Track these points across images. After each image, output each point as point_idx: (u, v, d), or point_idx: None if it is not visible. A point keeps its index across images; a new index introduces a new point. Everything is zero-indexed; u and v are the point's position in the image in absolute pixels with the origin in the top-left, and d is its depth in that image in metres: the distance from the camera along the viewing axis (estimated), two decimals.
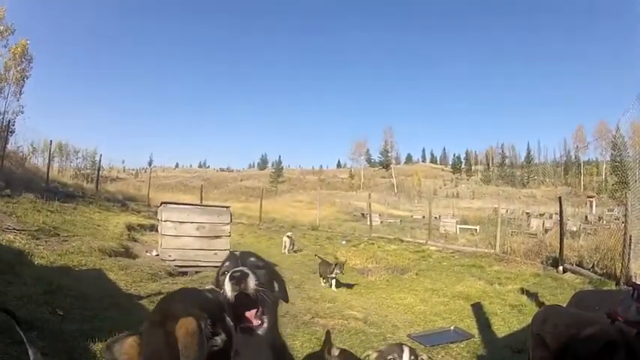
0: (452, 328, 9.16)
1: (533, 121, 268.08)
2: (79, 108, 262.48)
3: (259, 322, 2.46)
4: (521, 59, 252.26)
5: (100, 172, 43.21)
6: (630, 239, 12.09)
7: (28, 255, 10.35)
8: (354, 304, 10.89)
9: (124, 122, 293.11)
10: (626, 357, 3.62)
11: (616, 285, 11.76)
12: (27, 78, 40.49)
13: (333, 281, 12.66)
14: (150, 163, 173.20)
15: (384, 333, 8.53)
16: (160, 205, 14.15)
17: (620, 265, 12.38)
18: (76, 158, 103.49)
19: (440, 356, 7.48)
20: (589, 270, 14.07)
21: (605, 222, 34.71)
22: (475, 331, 8.99)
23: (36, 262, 10.06)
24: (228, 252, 10.90)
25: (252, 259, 2.70)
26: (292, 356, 2.93)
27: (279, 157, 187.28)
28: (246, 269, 2.49)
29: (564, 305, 5.84)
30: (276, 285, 2.75)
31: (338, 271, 12.62)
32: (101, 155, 50.14)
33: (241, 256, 2.70)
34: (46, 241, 12.40)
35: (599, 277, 12.98)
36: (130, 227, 19.26)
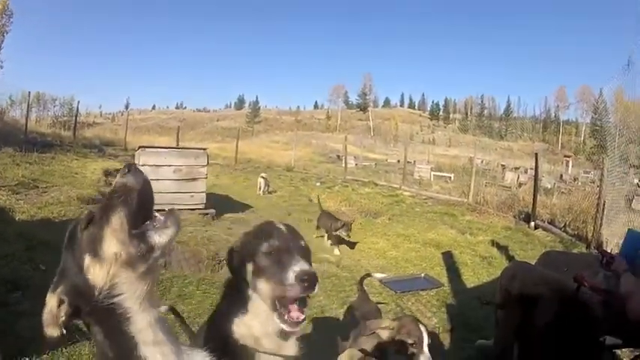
0: (422, 275, 9.32)
1: (515, 75, 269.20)
2: (55, 55, 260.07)
3: (302, 316, 2.29)
4: (507, 13, 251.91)
5: (78, 119, 42.77)
6: (604, 205, 12.21)
7: (9, 211, 10.40)
8: (326, 247, 11.17)
9: (100, 66, 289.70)
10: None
11: (586, 248, 11.87)
12: (6, 33, 39.81)
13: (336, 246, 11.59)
14: (127, 106, 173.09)
15: (356, 277, 8.20)
16: (138, 149, 14.14)
17: (592, 228, 12.51)
18: (54, 107, 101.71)
19: (410, 303, 7.60)
20: (560, 229, 14.19)
21: (580, 183, 34.90)
22: (445, 280, 9.15)
23: (17, 218, 10.11)
24: (204, 194, 10.93)
25: (302, 242, 2.46)
26: None
27: (257, 97, 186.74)
28: (315, 271, 2.22)
29: (533, 263, 5.97)
30: None
31: (344, 233, 11.61)
32: (79, 102, 49.99)
33: (292, 239, 2.42)
34: (25, 195, 12.49)
35: (570, 238, 13.10)
36: (107, 173, 19.16)
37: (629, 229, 5.77)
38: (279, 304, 2.26)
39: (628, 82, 12.42)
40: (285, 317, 2.25)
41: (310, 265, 2.27)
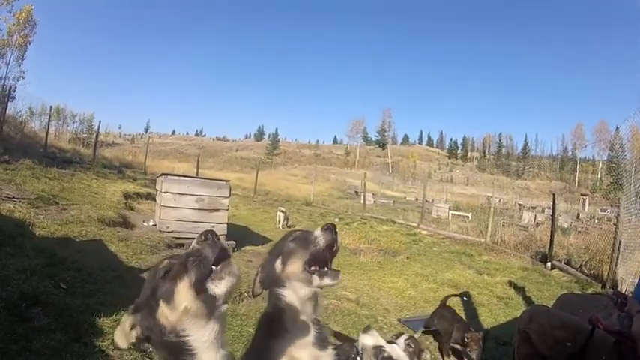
0: None
1: (532, 114, 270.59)
2: (78, 72, 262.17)
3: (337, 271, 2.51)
4: (526, 53, 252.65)
5: (98, 138, 43.11)
6: (620, 243, 12.22)
7: (28, 225, 10.36)
8: (347, 284, 10.99)
9: (123, 87, 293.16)
10: None
11: (602, 287, 11.94)
12: (30, 43, 40.29)
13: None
14: (146, 130, 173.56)
15: (376, 315, 8.75)
16: (160, 176, 14.23)
17: (608, 268, 12.51)
18: (73, 122, 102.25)
19: (428, 342, 7.58)
20: (577, 269, 14.17)
21: (596, 221, 34.75)
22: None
23: (37, 233, 10.07)
24: (225, 225, 11.42)
25: None
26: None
27: (276, 129, 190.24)
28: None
29: (550, 304, 6.04)
30: None
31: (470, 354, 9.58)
32: (100, 122, 49.93)
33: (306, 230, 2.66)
34: (45, 210, 12.48)
35: (586, 278, 13.12)
36: (126, 196, 19.31)
37: None
38: (314, 264, 2.45)
39: None
40: (323, 271, 2.45)
41: None
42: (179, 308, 1.97)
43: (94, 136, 40.92)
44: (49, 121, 34.57)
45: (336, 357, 4.22)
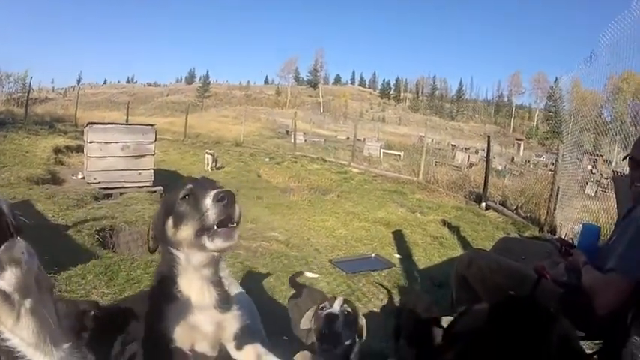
0: (373, 255, 9.10)
1: (468, 59, 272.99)
2: (8, 29, 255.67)
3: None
4: None
5: (30, 94, 42.20)
6: (558, 190, 12.41)
7: None
8: (275, 225, 10.87)
9: (53, 39, 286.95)
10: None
11: (539, 231, 12.02)
12: None
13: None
14: (79, 81, 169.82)
15: (306, 257, 8.49)
16: (86, 125, 13.62)
17: (545, 212, 12.68)
18: (8, 83, 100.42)
19: (361, 284, 7.37)
20: (512, 211, 14.30)
21: (532, 166, 35.43)
22: (396, 260, 8.95)
23: None
24: (151, 171, 10.65)
25: (219, 184, 2.38)
26: None
27: (207, 71, 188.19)
28: (232, 190, 2.22)
29: (488, 247, 5.84)
30: None
31: None
32: (31, 78, 49.09)
33: (208, 181, 2.45)
34: None
35: (523, 220, 13.24)
36: (57, 150, 18.74)
37: (584, 224, 5.73)
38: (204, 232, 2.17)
39: (587, 74, 12.63)
40: (214, 231, 2.15)
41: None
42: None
43: (27, 93, 40.06)
44: None
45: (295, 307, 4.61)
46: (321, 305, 3.62)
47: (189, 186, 2.30)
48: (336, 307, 3.52)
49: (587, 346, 3.89)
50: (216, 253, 2.31)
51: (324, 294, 5.15)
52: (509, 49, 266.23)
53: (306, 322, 3.76)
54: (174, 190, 2.37)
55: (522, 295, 3.63)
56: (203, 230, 2.14)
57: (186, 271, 2.31)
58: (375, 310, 6.25)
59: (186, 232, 2.20)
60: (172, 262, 2.30)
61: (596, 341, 3.79)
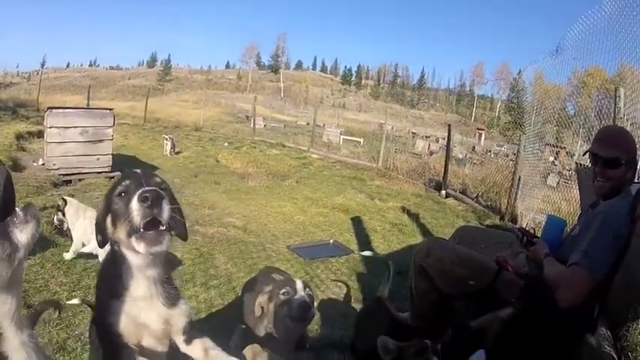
0: (331, 241, 9.08)
1: (430, 47, 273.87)
2: None
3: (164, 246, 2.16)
4: None
5: None
6: (519, 179, 12.52)
7: None
8: (233, 210, 10.81)
9: (16, 19, 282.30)
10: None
11: (500, 220, 12.11)
12: None
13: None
14: (42, 65, 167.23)
15: (264, 243, 8.43)
16: (47, 110, 13.40)
17: (506, 201, 12.76)
18: None
19: (319, 271, 7.31)
20: (473, 199, 14.45)
21: (493, 155, 35.76)
22: (354, 247, 8.92)
23: None
24: (110, 156, 10.47)
25: (158, 179, 2.30)
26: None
27: (169, 55, 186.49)
28: (158, 189, 2.12)
29: (446, 233, 5.79)
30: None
31: None
32: None
33: (144, 175, 2.26)
34: None
35: (483, 209, 13.36)
36: (18, 136, 18.61)
37: (549, 215, 5.74)
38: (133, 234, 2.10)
39: (551, 67, 12.77)
40: (142, 234, 2.07)
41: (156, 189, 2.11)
42: None
43: None
44: None
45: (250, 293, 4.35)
46: (283, 291, 3.40)
47: (124, 182, 2.21)
48: (301, 292, 3.36)
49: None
50: (149, 256, 2.20)
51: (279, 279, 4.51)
52: (473, 39, 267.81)
53: (258, 309, 3.56)
54: (115, 184, 2.30)
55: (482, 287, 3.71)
56: (132, 232, 2.08)
57: (130, 269, 2.23)
58: (334, 297, 6.22)
59: (119, 232, 2.15)
60: (115, 258, 2.23)
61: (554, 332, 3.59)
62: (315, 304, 3.73)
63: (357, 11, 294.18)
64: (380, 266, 7.44)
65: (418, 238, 9.42)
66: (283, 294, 3.36)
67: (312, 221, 10.61)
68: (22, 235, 1.70)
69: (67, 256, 5.93)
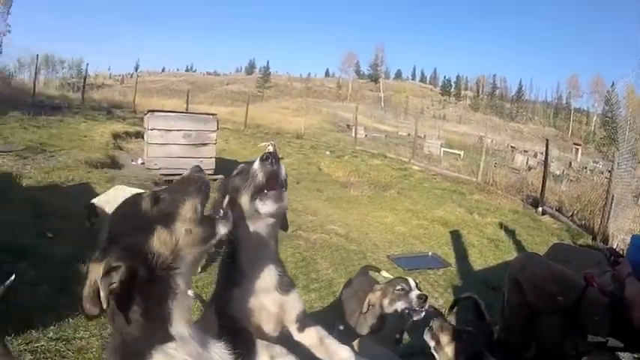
0: (430, 253, 9.31)
1: (528, 59, 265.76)
2: (64, 15, 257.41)
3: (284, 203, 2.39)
4: None
5: (86, 80, 42.62)
6: (612, 198, 12.16)
7: (16, 177, 10.39)
8: (335, 218, 11.11)
9: (110, 26, 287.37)
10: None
11: (592, 240, 11.87)
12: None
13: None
14: (136, 68, 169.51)
15: (364, 251, 8.73)
16: (147, 113, 14.13)
17: (599, 221, 12.44)
18: (63, 69, 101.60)
19: (417, 281, 7.36)
20: (568, 218, 14.16)
21: (588, 172, 34.78)
22: (452, 260, 9.14)
23: (24, 184, 10.12)
24: (213, 159, 11.16)
25: None
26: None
27: (267, 62, 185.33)
28: (277, 153, 2.45)
29: (540, 251, 5.96)
30: None
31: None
32: (87, 64, 49.89)
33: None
34: (33, 160, 12.40)
35: (577, 228, 13.08)
36: (115, 136, 19.29)
37: (633, 235, 5.82)
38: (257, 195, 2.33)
39: None
40: (264, 195, 2.33)
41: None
42: (179, 231, 1.86)
43: (83, 79, 40.60)
44: (37, 70, 34.62)
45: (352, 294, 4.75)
46: (398, 287, 3.93)
47: (242, 165, 2.54)
48: (415, 288, 3.94)
49: (627, 358, 3.89)
50: (271, 220, 2.43)
51: (375, 281, 5.09)
52: (568, 49, 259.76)
53: (366, 305, 4.04)
54: (225, 178, 2.61)
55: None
56: (256, 193, 2.31)
57: (247, 251, 2.43)
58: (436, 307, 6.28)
59: (241, 202, 2.37)
60: (233, 245, 2.39)
61: (636, 355, 3.81)
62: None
63: (453, 21, 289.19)
64: (475, 281, 7.80)
65: (513, 255, 9.28)
66: (399, 290, 3.90)
67: (413, 233, 10.86)
68: (222, 228, 1.97)
69: None
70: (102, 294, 1.66)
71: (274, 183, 2.36)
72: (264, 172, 2.32)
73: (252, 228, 2.41)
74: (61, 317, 4.58)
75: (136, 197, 1.96)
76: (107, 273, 1.69)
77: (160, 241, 1.82)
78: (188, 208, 1.90)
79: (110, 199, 7.01)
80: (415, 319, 3.91)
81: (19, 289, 4.96)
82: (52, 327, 4.46)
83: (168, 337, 1.81)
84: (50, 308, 4.73)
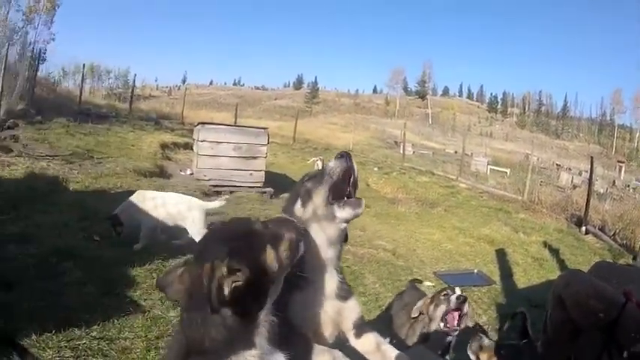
0: (475, 271, 9.42)
1: (573, 74, 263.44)
2: (111, 26, 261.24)
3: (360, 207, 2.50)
4: (573, 12, 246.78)
5: (134, 91, 43.11)
6: None
7: (62, 181, 10.64)
8: (383, 234, 11.25)
9: (157, 39, 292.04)
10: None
11: (633, 259, 11.54)
12: (58, 7, 39.94)
13: None
14: (184, 81, 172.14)
15: (411, 267, 8.89)
16: (197, 125, 14.44)
17: None
18: (109, 79, 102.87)
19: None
20: (610, 237, 14.12)
21: (631, 190, 34.49)
22: (497, 278, 9.20)
23: (71, 188, 10.37)
24: (263, 172, 12.36)
25: None
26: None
27: (315, 77, 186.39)
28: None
29: (583, 269, 6.11)
30: None
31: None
32: (135, 75, 50.33)
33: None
34: (80, 165, 12.78)
35: (619, 247, 13.07)
36: (163, 146, 19.67)
37: None
38: (333, 197, 2.45)
39: None
40: (343, 201, 2.46)
41: None
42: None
43: (130, 90, 41.22)
44: (83, 78, 35.34)
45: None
46: (443, 293, 4.25)
47: (311, 173, 2.66)
48: (457, 291, 4.27)
49: None
50: (344, 225, 2.51)
51: (425, 294, 5.23)
52: (614, 61, 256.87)
53: (416, 312, 4.36)
54: (297, 182, 2.71)
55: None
56: (332, 193, 2.43)
57: (313, 255, 2.44)
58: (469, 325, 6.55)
59: (316, 201, 2.46)
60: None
61: None
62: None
63: (500, 37, 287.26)
64: (518, 298, 7.91)
65: (557, 274, 8.98)
66: (444, 295, 4.22)
67: (459, 250, 10.99)
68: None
69: None
70: (225, 290, 1.77)
71: (348, 180, 2.49)
72: (340, 168, 2.45)
73: (323, 231, 2.48)
74: (105, 317, 4.73)
75: (249, 220, 2.11)
76: (232, 272, 1.80)
77: (270, 257, 1.95)
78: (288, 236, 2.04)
79: (133, 204, 7.41)
80: (449, 324, 4.20)
81: (66, 288, 5.31)
82: (95, 326, 4.57)
83: (251, 345, 1.90)
84: (95, 309, 4.89)
